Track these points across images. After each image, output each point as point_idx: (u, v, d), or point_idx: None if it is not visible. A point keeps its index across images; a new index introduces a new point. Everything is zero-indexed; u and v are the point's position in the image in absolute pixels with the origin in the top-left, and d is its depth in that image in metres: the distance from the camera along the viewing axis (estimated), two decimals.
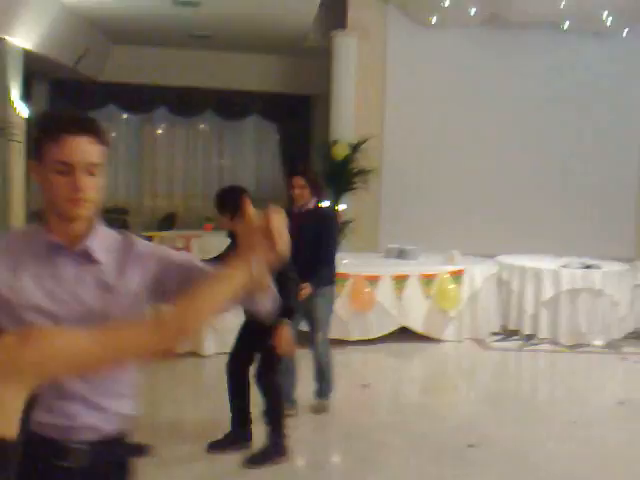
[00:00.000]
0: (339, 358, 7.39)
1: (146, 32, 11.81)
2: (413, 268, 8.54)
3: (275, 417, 5.06)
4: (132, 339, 1.71)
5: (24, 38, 9.38)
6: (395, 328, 8.30)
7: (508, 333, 8.90)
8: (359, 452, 5.32)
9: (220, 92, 13.34)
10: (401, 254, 9.09)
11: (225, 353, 7.54)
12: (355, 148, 10.97)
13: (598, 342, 8.50)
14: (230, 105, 13.66)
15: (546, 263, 8.89)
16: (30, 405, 1.54)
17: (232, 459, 4.97)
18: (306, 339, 6.11)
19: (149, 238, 10.18)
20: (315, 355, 6.04)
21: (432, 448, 5.38)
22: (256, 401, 5.13)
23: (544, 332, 8.61)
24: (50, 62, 10.88)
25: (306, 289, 5.59)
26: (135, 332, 1.74)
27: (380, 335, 8.22)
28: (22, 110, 9.87)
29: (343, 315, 7.89)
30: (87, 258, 2.09)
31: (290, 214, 5.96)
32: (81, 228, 2.10)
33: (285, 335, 4.84)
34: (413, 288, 8.35)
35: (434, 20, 10.98)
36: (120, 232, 2.21)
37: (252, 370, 5.16)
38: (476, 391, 7.15)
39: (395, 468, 5.10)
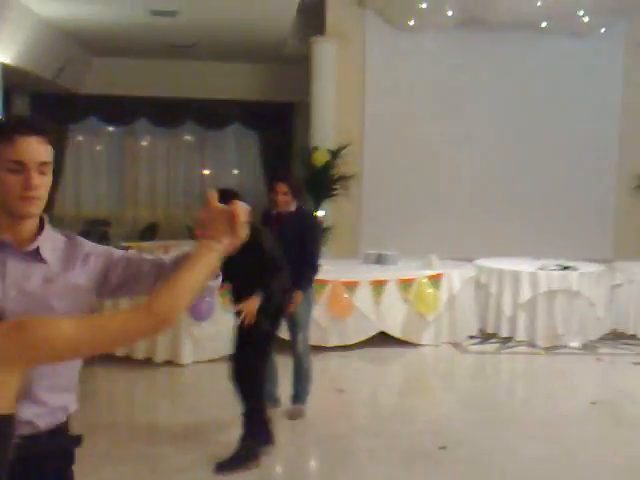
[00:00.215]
0: (317, 364, 7.39)
1: (125, 43, 11.86)
2: (391, 273, 8.59)
3: (252, 420, 5.10)
4: (121, 325, 1.83)
5: (2, 52, 9.41)
6: (373, 333, 8.33)
7: (486, 336, 8.95)
8: (330, 456, 5.37)
9: (201, 102, 13.39)
10: (380, 260, 9.15)
11: (203, 362, 7.66)
12: (335, 154, 11.03)
13: (575, 344, 8.56)
14: (211, 114, 13.71)
15: (524, 266, 8.95)
16: None
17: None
18: (287, 345, 6.17)
19: (127, 248, 10.23)
20: (295, 357, 6.07)
21: (404, 451, 5.42)
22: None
23: (521, 334, 8.67)
24: (29, 76, 10.91)
25: (297, 296, 5.69)
26: (124, 318, 1.84)
27: (358, 341, 8.25)
28: None
29: (321, 321, 7.93)
30: (35, 257, 2.16)
31: (270, 216, 6.03)
32: (31, 227, 2.17)
33: (252, 304, 4.98)
34: (391, 293, 8.38)
35: (412, 23, 11.06)
36: (65, 234, 2.28)
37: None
38: (451, 394, 7.17)
39: (366, 471, 5.16)
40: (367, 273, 8.62)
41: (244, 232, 2.03)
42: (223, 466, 4.96)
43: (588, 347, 8.58)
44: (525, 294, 8.61)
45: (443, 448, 5.40)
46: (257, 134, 14.23)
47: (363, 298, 8.25)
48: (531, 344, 8.57)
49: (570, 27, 11.31)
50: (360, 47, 11.36)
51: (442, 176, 11.52)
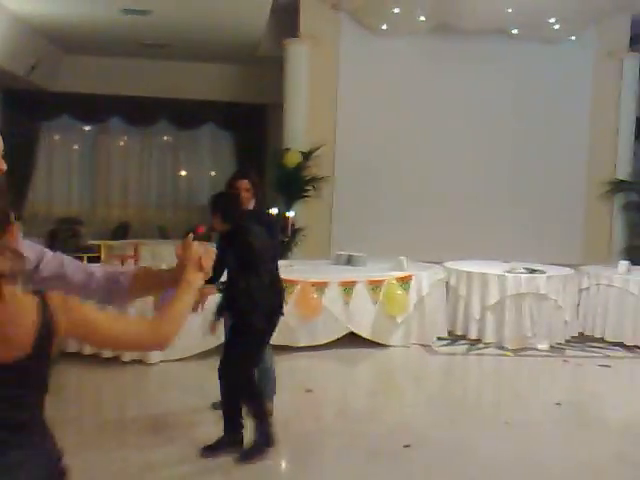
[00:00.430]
0: (285, 364, 7.47)
1: (98, 41, 11.81)
2: (360, 274, 8.62)
3: (256, 409, 5.22)
4: (135, 331, 2.14)
5: None
6: (343, 334, 8.35)
7: (455, 338, 9.01)
8: (295, 454, 5.39)
9: (175, 101, 13.37)
10: (350, 261, 9.17)
11: (171, 360, 7.64)
12: (307, 156, 11.06)
13: (542, 346, 8.63)
14: (185, 114, 13.70)
15: (492, 268, 9.01)
16: None
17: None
18: None
19: (99, 247, 10.19)
20: None
21: (368, 449, 5.44)
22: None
23: (490, 336, 8.74)
24: (1, 72, 10.84)
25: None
26: (138, 327, 2.16)
27: (328, 341, 8.27)
28: None
29: (290, 321, 7.91)
30: None
31: None
32: None
33: (206, 293, 5.22)
34: (361, 294, 8.41)
35: (385, 27, 11.11)
36: None
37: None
38: (419, 394, 7.21)
39: (330, 469, 5.20)
40: (337, 274, 8.63)
41: (208, 269, 2.41)
42: (245, 456, 5.13)
43: (555, 349, 8.66)
44: (493, 297, 8.68)
45: (407, 447, 5.44)
46: (231, 135, 14.23)
47: (332, 299, 8.27)
48: (499, 346, 8.64)
49: (540, 34, 11.43)
50: (333, 50, 11.41)
51: (413, 179, 11.59)
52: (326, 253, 10.58)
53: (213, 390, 6.30)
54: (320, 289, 8.18)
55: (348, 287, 8.35)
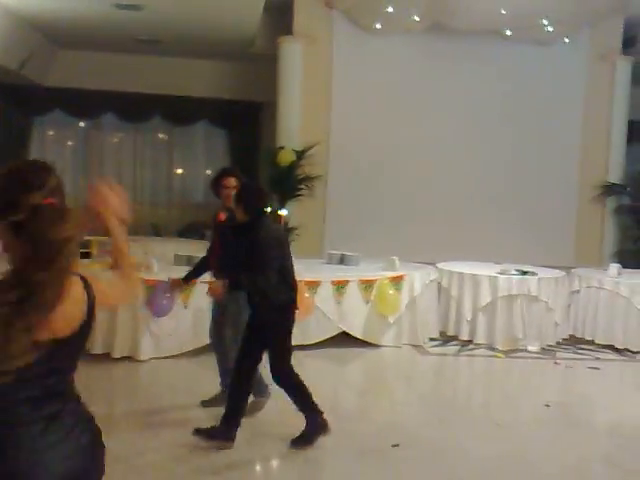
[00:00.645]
0: None
1: (92, 36, 11.78)
2: (353, 274, 8.63)
3: (304, 403, 5.42)
4: (121, 291, 2.50)
5: None
6: (335, 333, 8.36)
7: (446, 338, 9.03)
8: (284, 453, 5.39)
9: (169, 98, 13.33)
10: (343, 260, 9.18)
11: (162, 358, 7.63)
12: (301, 155, 11.06)
13: (533, 347, 8.65)
14: (179, 111, 13.65)
15: (484, 270, 9.04)
16: None
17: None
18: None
19: (89, 243, 10.16)
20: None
21: (357, 448, 5.48)
22: None
23: (481, 337, 8.77)
24: None
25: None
26: (119, 287, 2.49)
27: (319, 340, 8.27)
28: None
29: None
30: None
31: (216, 217, 5.99)
32: None
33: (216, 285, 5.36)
34: (353, 293, 8.42)
35: (379, 26, 11.12)
36: None
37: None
38: (410, 394, 7.22)
39: (318, 467, 5.25)
40: (329, 273, 8.64)
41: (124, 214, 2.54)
42: (297, 442, 5.37)
43: (546, 351, 8.69)
44: (485, 298, 8.71)
45: (396, 446, 5.47)
46: (225, 132, 14.20)
47: (324, 298, 8.27)
48: (490, 347, 8.66)
49: (534, 36, 11.45)
50: (328, 48, 11.41)
51: (407, 179, 11.60)
52: (319, 252, 10.59)
53: (203, 387, 6.34)
54: (313, 288, 8.18)
55: (340, 286, 8.35)
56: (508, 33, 11.35)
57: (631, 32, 12.06)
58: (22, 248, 2.09)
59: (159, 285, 7.36)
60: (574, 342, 9.15)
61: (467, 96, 11.73)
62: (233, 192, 5.79)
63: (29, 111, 13.24)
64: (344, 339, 8.39)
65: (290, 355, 5.49)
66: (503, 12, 10.50)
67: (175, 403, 6.34)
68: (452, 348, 8.71)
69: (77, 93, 13.04)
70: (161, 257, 8.90)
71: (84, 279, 2.25)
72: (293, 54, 11.27)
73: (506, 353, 8.52)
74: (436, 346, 8.77)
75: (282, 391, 6.54)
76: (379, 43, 11.42)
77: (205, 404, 6.16)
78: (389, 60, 11.55)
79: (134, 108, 13.45)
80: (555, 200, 12.03)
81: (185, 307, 7.73)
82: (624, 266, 9.71)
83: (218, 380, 6.21)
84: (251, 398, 5.83)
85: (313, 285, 8.21)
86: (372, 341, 8.54)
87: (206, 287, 6.04)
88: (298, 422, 5.68)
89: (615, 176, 12.21)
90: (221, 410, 5.68)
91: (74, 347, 2.29)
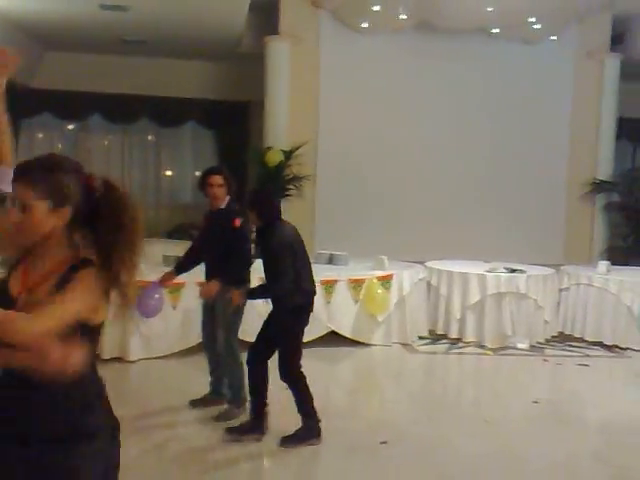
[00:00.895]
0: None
1: (78, 38, 11.73)
2: (342, 273, 8.61)
3: (303, 404, 5.48)
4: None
5: None
6: (324, 333, 8.34)
7: (436, 337, 9.03)
8: (273, 451, 5.39)
9: (156, 99, 13.26)
10: (331, 260, 9.17)
11: (152, 358, 7.61)
12: (289, 154, 11.04)
13: (522, 345, 8.65)
14: (166, 112, 13.58)
15: (473, 268, 9.04)
16: None
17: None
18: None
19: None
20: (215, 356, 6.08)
21: (345, 445, 5.49)
22: None
23: (470, 336, 8.76)
24: None
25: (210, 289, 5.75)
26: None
27: (309, 340, 8.24)
28: None
29: None
30: None
31: (206, 214, 6.01)
32: None
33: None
34: (342, 293, 8.41)
35: (365, 25, 11.12)
36: None
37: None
38: (399, 393, 7.23)
39: (308, 464, 5.29)
40: (318, 273, 8.60)
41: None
42: (288, 441, 5.37)
43: (535, 348, 8.69)
44: (474, 296, 8.71)
45: (384, 443, 5.49)
46: (213, 133, 14.15)
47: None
48: (480, 345, 8.66)
49: (521, 34, 11.46)
50: (314, 47, 11.38)
51: (395, 178, 11.58)
52: (308, 252, 10.54)
53: (193, 388, 6.32)
54: None
55: (329, 286, 8.34)
56: (495, 31, 11.36)
57: (619, 29, 12.07)
58: None
59: (148, 286, 7.34)
60: (563, 339, 9.17)
61: (454, 95, 11.73)
62: (219, 190, 5.83)
63: (16, 114, 13.13)
64: (333, 338, 8.37)
65: (299, 355, 5.55)
66: (490, 10, 10.49)
67: (165, 404, 6.32)
68: (441, 346, 8.71)
69: (64, 95, 12.97)
70: (150, 258, 8.85)
71: None
72: (280, 54, 11.25)
73: (495, 351, 8.53)
74: (425, 344, 8.77)
75: (270, 390, 6.57)
76: (366, 42, 11.40)
77: (194, 404, 6.14)
78: (376, 59, 11.53)
79: (121, 109, 13.38)
80: (544, 198, 12.04)
81: (174, 308, 7.72)
82: (613, 263, 9.73)
83: (208, 379, 6.19)
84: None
85: None
86: (361, 340, 8.53)
87: (195, 288, 6.07)
88: (288, 422, 5.69)
89: (604, 173, 12.21)
90: (210, 411, 5.74)
91: (100, 335, 2.43)
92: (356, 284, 8.46)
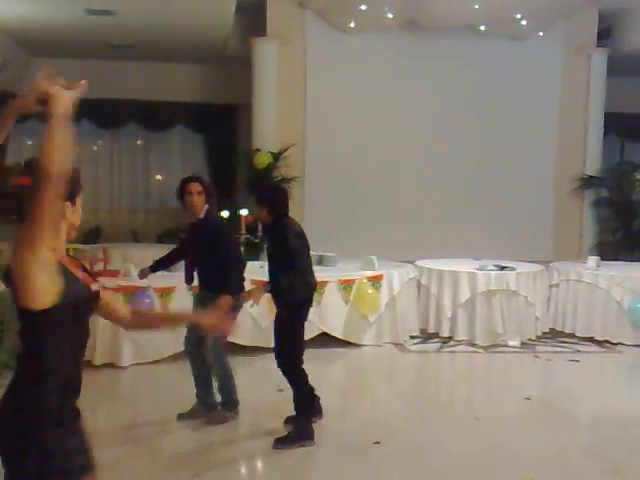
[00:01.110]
0: (258, 364, 7.51)
1: (65, 43, 11.72)
2: (331, 274, 8.61)
3: (300, 401, 5.51)
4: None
5: None
6: (315, 334, 8.33)
7: (427, 336, 9.04)
8: (266, 452, 5.41)
9: (144, 103, 13.27)
10: (321, 261, 9.15)
11: (143, 364, 7.61)
12: (277, 156, 11.04)
13: (513, 342, 8.67)
14: (155, 116, 13.60)
15: (463, 266, 9.05)
16: None
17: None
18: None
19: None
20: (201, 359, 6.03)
21: (338, 446, 5.51)
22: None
23: (461, 334, 8.77)
24: None
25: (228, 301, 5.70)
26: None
27: None
28: None
29: (262, 322, 7.92)
30: None
31: (188, 226, 6.00)
32: None
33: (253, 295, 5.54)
34: (332, 294, 8.41)
35: (352, 25, 11.13)
36: None
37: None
38: (391, 392, 7.24)
39: (300, 465, 5.27)
40: None
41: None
42: (281, 442, 5.38)
43: (527, 345, 8.71)
44: (464, 294, 8.72)
45: (377, 443, 5.50)
46: (202, 136, 14.16)
47: None
48: (471, 343, 8.68)
49: (508, 31, 11.49)
50: (301, 48, 11.39)
51: (384, 177, 11.60)
52: None
53: (184, 392, 6.30)
54: None
55: (319, 287, 8.29)
56: (482, 28, 11.38)
57: (606, 24, 12.10)
58: None
59: (139, 290, 7.35)
60: (554, 335, 9.19)
61: (442, 93, 11.76)
62: (197, 198, 5.79)
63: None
64: (325, 340, 8.37)
65: (301, 352, 5.63)
66: (477, 7, 10.51)
67: (157, 409, 6.33)
68: (433, 345, 8.72)
69: None
70: (140, 263, 8.86)
71: None
72: (267, 55, 11.25)
73: (486, 349, 8.54)
74: (417, 344, 8.78)
75: (262, 391, 6.58)
76: (353, 42, 11.42)
77: (181, 417, 6.09)
78: (363, 58, 11.53)
79: (109, 114, 13.39)
80: (533, 194, 12.07)
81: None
82: (603, 258, 9.78)
83: (194, 392, 6.17)
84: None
85: None
86: (353, 341, 8.54)
87: (186, 293, 6.07)
88: (280, 422, 5.72)
89: (592, 169, 12.26)
90: (199, 422, 5.80)
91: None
92: (346, 285, 8.47)
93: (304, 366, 5.69)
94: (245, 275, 6.00)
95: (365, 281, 8.53)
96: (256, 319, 7.90)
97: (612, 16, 12.06)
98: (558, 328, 9.34)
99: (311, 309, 8.08)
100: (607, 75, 12.22)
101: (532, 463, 5.21)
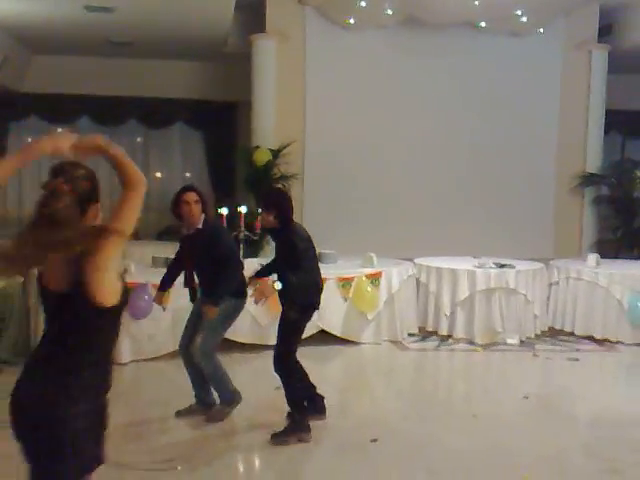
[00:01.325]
0: (256, 362, 7.51)
1: (65, 40, 11.70)
2: (330, 271, 8.59)
3: (294, 397, 5.59)
4: None
5: None
6: (314, 332, 8.32)
7: (425, 334, 9.04)
8: (263, 449, 5.43)
9: (144, 100, 13.26)
10: (320, 258, 9.10)
11: (142, 360, 7.60)
12: (276, 154, 11.02)
13: (512, 340, 8.66)
14: (154, 113, 13.58)
15: (462, 264, 9.04)
16: None
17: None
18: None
19: None
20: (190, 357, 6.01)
21: (335, 443, 5.53)
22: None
23: (460, 332, 8.76)
24: None
25: (210, 311, 5.72)
26: None
27: None
28: None
29: (261, 320, 7.93)
30: None
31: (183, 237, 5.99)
32: None
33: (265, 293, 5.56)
34: (331, 291, 8.35)
35: (352, 21, 11.10)
36: None
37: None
38: (389, 390, 7.23)
39: (298, 462, 5.30)
40: None
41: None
42: (277, 437, 5.45)
43: (526, 344, 8.70)
44: (463, 292, 8.71)
45: (374, 441, 5.50)
46: (201, 133, 14.14)
47: None
48: (470, 341, 8.67)
49: (508, 27, 11.45)
50: (301, 45, 11.37)
51: (383, 174, 11.57)
52: None
53: (183, 389, 6.29)
54: None
55: None
56: (482, 25, 11.35)
57: (606, 20, 12.07)
58: None
59: (138, 287, 7.34)
60: (554, 334, 9.18)
61: (442, 90, 11.73)
62: (195, 207, 5.74)
63: (6, 118, 13.14)
64: (323, 337, 8.36)
65: (296, 348, 5.73)
66: (476, 3, 10.48)
67: (156, 406, 6.33)
68: (431, 343, 8.72)
69: (52, 98, 12.95)
70: (140, 260, 8.89)
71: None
72: (266, 52, 11.23)
73: (485, 347, 8.53)
74: (415, 342, 8.78)
75: (260, 389, 6.58)
76: (353, 38, 11.39)
77: (179, 414, 6.09)
78: (363, 55, 11.50)
79: (109, 111, 13.38)
80: (533, 192, 12.04)
81: (163, 309, 7.68)
82: (603, 256, 9.75)
83: (192, 392, 6.15)
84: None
85: None
86: (351, 338, 8.53)
87: (184, 290, 6.05)
88: (278, 419, 5.71)
89: (593, 166, 12.22)
90: (198, 419, 5.84)
91: None
92: (345, 282, 8.46)
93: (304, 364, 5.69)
94: (245, 274, 6.02)
95: (364, 279, 8.52)
96: (255, 317, 7.90)
97: (613, 12, 12.01)
98: (557, 326, 9.33)
99: None
100: (608, 72, 12.18)
101: (530, 461, 5.20)
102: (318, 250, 9.08)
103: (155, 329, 7.67)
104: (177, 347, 7.46)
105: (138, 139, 14.37)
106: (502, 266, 8.87)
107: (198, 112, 13.68)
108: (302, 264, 5.40)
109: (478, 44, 11.66)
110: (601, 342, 8.83)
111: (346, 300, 8.46)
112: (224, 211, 8.06)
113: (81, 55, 12.76)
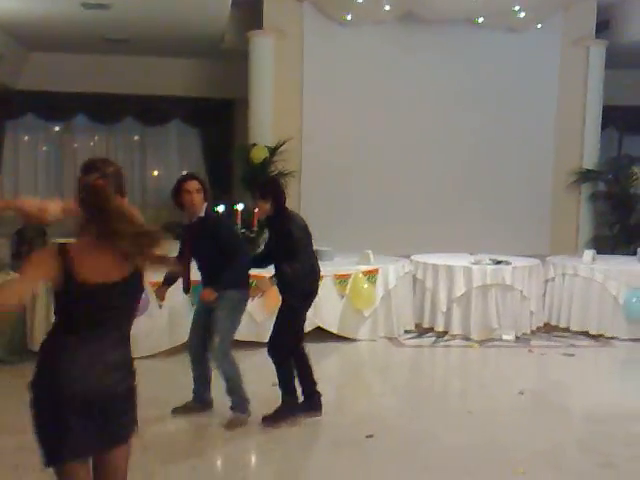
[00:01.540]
0: (253, 359, 7.46)
1: (61, 38, 11.69)
2: (327, 268, 8.58)
3: (285, 379, 5.78)
4: None
5: None
6: (310, 329, 8.32)
7: (422, 330, 9.05)
8: (260, 445, 5.47)
9: (140, 98, 13.23)
10: (317, 255, 9.14)
11: (138, 358, 7.55)
12: (273, 151, 11.02)
13: (508, 337, 8.68)
14: (151, 111, 13.55)
15: (459, 261, 9.05)
16: None
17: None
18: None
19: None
20: (214, 365, 5.89)
21: (331, 439, 5.56)
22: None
23: (456, 328, 8.78)
24: None
25: (208, 293, 5.68)
26: None
27: None
28: None
29: (258, 317, 7.92)
30: None
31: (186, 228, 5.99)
32: None
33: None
34: (327, 288, 8.35)
35: (349, 17, 11.10)
36: None
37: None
38: (385, 386, 7.25)
39: (294, 458, 5.30)
40: None
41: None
42: (268, 419, 5.62)
43: (521, 340, 8.72)
44: (459, 288, 8.72)
45: (370, 437, 5.52)
46: (198, 131, 14.12)
47: None
48: (466, 338, 8.68)
49: (506, 22, 11.44)
50: (298, 41, 11.35)
51: (380, 171, 11.56)
52: None
53: (180, 387, 6.30)
54: None
55: None
56: (480, 21, 11.34)
57: (604, 16, 12.05)
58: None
59: None
60: (549, 330, 9.19)
61: (439, 86, 11.72)
62: (197, 196, 5.68)
63: (1, 115, 13.12)
64: (320, 334, 8.35)
65: (296, 337, 5.84)
66: None
67: (152, 403, 6.28)
68: (428, 340, 8.73)
69: (48, 96, 12.93)
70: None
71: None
72: (263, 48, 11.21)
73: (481, 343, 8.55)
74: (412, 338, 8.79)
75: (257, 385, 6.58)
76: (350, 35, 11.38)
77: (176, 411, 6.07)
78: (361, 51, 11.48)
79: (105, 109, 13.35)
80: (530, 188, 12.04)
81: (160, 307, 7.70)
82: (600, 252, 9.77)
83: (192, 387, 6.13)
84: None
85: None
86: (348, 335, 8.54)
87: (180, 287, 6.05)
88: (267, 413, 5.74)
89: (590, 162, 12.21)
90: (194, 418, 5.87)
91: None
92: (342, 279, 8.47)
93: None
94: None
95: (361, 276, 8.53)
96: (251, 314, 7.88)
97: (610, 8, 12.00)
98: (553, 322, 9.34)
99: None
100: (605, 67, 12.15)
101: (525, 456, 5.22)
102: (315, 247, 9.18)
103: (151, 327, 7.67)
104: (173, 345, 7.51)
105: (135, 137, 14.35)
106: (498, 262, 8.89)
107: (195, 109, 13.66)
108: (298, 254, 5.47)
109: (476, 40, 11.65)
110: (596, 338, 8.85)
111: (342, 297, 8.47)
112: (221, 208, 8.05)
113: (77, 52, 12.73)
